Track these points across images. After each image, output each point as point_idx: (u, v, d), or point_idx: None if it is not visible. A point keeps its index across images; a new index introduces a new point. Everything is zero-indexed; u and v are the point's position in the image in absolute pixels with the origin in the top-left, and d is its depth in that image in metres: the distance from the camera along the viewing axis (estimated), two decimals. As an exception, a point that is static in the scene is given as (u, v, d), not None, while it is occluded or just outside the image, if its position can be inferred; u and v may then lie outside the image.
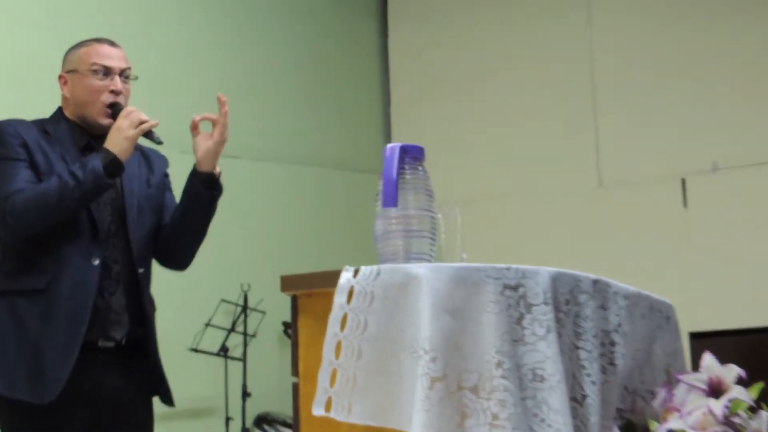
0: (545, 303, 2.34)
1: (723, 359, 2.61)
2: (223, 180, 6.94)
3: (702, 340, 3.25)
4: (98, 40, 3.55)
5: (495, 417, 2.18)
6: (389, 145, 2.45)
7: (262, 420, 6.56)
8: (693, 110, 7.22)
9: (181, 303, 6.26)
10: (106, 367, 3.38)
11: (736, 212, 6.98)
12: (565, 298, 2.42)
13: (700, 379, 2.54)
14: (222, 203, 6.71)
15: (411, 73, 8.07)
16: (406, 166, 2.46)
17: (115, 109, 3.42)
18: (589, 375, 2.44)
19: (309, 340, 2.44)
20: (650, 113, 7.32)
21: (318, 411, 2.30)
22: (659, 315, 2.85)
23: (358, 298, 2.29)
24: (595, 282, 2.52)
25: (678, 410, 2.56)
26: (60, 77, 3.53)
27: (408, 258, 2.42)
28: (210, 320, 6.28)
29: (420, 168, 2.48)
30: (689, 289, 6.50)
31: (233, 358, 6.39)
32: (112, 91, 3.45)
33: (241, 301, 6.45)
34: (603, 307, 2.55)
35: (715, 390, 2.52)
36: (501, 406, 2.19)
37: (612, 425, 2.51)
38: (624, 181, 7.32)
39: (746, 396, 2.50)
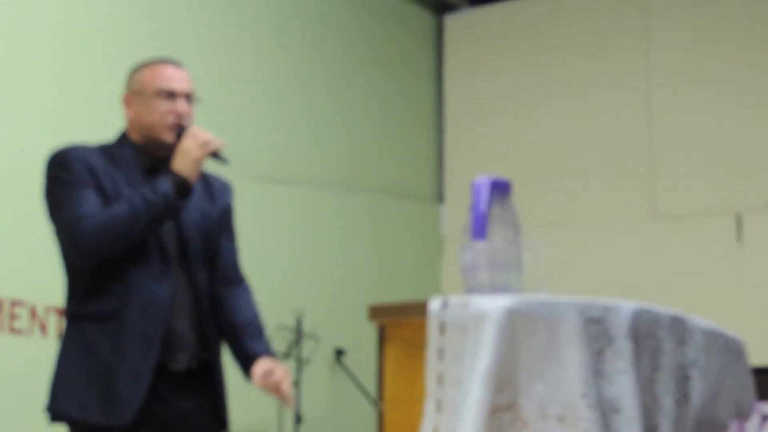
0: (626, 337, 2.42)
1: None
2: (279, 206, 7.08)
3: (759, 377, 3.31)
4: (163, 61, 3.55)
5: (579, 446, 2.27)
6: (479, 179, 2.53)
7: (311, 445, 6.64)
8: (750, 146, 7.26)
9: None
10: (173, 390, 3.37)
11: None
12: (644, 332, 2.49)
13: (775, 412, 2.62)
14: (277, 229, 6.83)
15: (466, 100, 8.13)
16: (496, 200, 2.54)
17: (180, 131, 3.40)
18: (661, 408, 2.52)
19: (395, 369, 2.52)
20: (707, 147, 7.36)
21: None
22: (732, 351, 2.92)
23: (452, 330, 2.37)
24: (674, 318, 2.60)
25: (750, 444, 2.64)
26: (124, 99, 3.52)
27: (494, 289, 2.50)
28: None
29: (508, 202, 2.56)
30: (742, 326, 6.56)
31: (287, 383, 6.46)
32: (177, 114, 3.43)
33: (295, 327, 6.53)
34: (681, 342, 2.61)
35: (789, 424, 2.60)
36: (584, 435, 2.27)
37: (685, 457, 2.59)
38: (679, 214, 7.36)
39: (820, 431, 2.58)
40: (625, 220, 7.51)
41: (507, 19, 8.07)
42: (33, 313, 5.43)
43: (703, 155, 7.37)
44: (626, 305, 2.45)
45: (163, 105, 3.44)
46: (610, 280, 7.06)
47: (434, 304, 2.41)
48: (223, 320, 3.54)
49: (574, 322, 2.37)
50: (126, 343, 3.27)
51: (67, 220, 3.28)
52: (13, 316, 5.33)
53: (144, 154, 3.47)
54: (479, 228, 2.50)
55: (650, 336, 2.51)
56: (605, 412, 2.35)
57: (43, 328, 5.45)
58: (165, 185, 3.28)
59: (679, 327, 2.62)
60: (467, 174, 7.69)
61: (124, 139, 3.51)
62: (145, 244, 3.34)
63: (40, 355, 5.46)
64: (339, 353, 6.84)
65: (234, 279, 3.62)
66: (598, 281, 6.90)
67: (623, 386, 2.39)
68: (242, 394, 6.35)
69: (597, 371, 2.38)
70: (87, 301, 3.35)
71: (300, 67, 7.26)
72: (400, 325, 2.53)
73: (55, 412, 3.35)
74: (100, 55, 5.98)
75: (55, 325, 5.54)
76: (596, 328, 2.40)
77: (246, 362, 3.53)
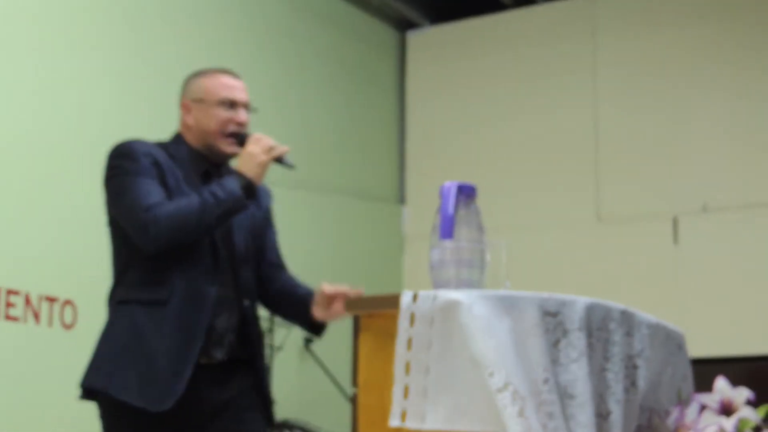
0: (579, 329, 2.46)
1: (711, 386, 2.72)
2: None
3: (696, 367, 3.38)
4: (223, 72, 3.52)
5: (545, 426, 2.30)
6: (447, 183, 2.57)
7: (282, 425, 6.65)
8: (686, 154, 7.33)
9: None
10: (207, 382, 3.29)
11: (723, 251, 7.09)
12: (597, 325, 2.53)
13: (713, 399, 2.66)
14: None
15: (426, 110, 8.15)
16: (461, 203, 2.58)
17: (240, 138, 3.38)
18: (613, 394, 2.55)
19: (368, 356, 2.54)
20: (647, 156, 7.43)
21: (395, 423, 2.40)
22: (673, 343, 2.96)
23: (421, 321, 2.41)
24: (623, 312, 2.64)
25: (690, 428, 2.67)
26: (183, 105, 3.48)
27: (459, 285, 2.53)
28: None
29: (473, 205, 2.60)
30: (678, 321, 6.62)
31: (258, 369, 6.49)
32: (237, 123, 3.41)
33: (268, 316, 6.54)
34: (629, 335, 2.65)
35: (726, 410, 2.63)
36: (549, 417, 2.30)
37: (632, 439, 2.62)
38: (621, 217, 7.43)
39: (754, 416, 2.61)
40: (573, 222, 7.56)
41: (465, 36, 8.10)
42: (27, 301, 5.42)
43: (644, 164, 7.43)
44: (580, 300, 2.49)
45: (225, 114, 3.41)
46: (560, 278, 7.12)
47: (405, 297, 2.45)
48: (285, 297, 3.57)
49: (533, 315, 2.41)
50: (172, 333, 3.22)
51: (136, 208, 3.21)
52: (8, 305, 5.32)
53: (199, 157, 3.44)
54: (446, 228, 2.54)
55: (602, 328, 2.55)
56: (561, 397, 2.39)
57: (37, 317, 5.44)
58: (233, 184, 3.25)
59: (627, 320, 2.65)
60: (427, 178, 7.81)
61: (180, 140, 3.47)
62: (199, 242, 3.30)
63: (33, 342, 5.47)
64: (308, 341, 6.85)
65: (281, 264, 3.64)
66: (550, 278, 6.94)
67: (576, 374, 2.42)
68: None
69: (553, 360, 2.41)
70: (139, 289, 3.29)
71: (273, 77, 7.26)
72: (373, 316, 2.55)
73: (91, 389, 3.29)
74: (92, 40, 5.97)
75: (47, 313, 5.53)
76: (553, 321, 2.44)
77: (316, 325, 3.54)
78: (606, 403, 2.54)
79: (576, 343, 2.45)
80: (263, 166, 3.31)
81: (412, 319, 2.41)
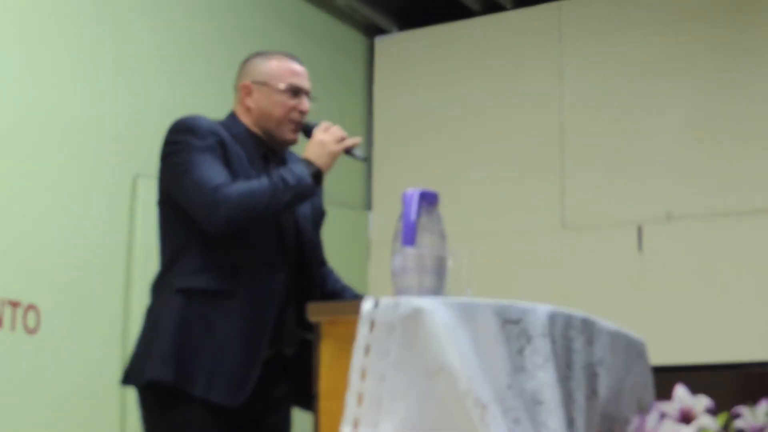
0: (543, 336, 2.47)
1: (668, 392, 2.74)
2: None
3: (658, 375, 3.39)
4: (287, 56, 3.41)
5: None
6: (409, 191, 2.57)
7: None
8: (651, 162, 7.36)
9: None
10: (267, 377, 3.17)
11: (687, 259, 7.12)
12: (559, 333, 2.54)
13: (673, 407, 2.67)
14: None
15: (393, 116, 8.15)
16: (424, 210, 2.58)
17: (305, 127, 3.29)
18: (575, 401, 2.56)
19: (329, 362, 2.54)
20: (612, 165, 7.45)
21: (347, 429, 2.39)
22: (633, 351, 2.98)
23: (380, 328, 2.40)
24: (584, 320, 2.65)
25: (650, 436, 2.68)
26: (243, 86, 3.35)
27: (422, 292, 2.54)
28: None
29: (435, 212, 2.60)
30: (642, 328, 6.65)
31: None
32: (300, 111, 3.32)
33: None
34: (590, 343, 2.66)
35: (686, 418, 2.65)
36: (515, 423, 2.31)
37: (593, 447, 2.63)
38: (586, 225, 7.45)
39: (713, 424, 2.62)
40: (538, 229, 7.57)
41: (433, 42, 8.11)
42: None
43: (609, 171, 7.46)
44: (541, 308, 2.50)
45: (290, 101, 3.31)
46: (524, 285, 7.12)
47: (366, 304, 2.44)
48: (329, 291, 3.48)
49: (494, 322, 2.41)
50: (241, 326, 3.09)
51: (203, 186, 3.06)
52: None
53: (258, 140, 3.31)
54: (409, 235, 2.54)
55: (564, 336, 2.57)
56: (528, 404, 2.39)
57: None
58: (303, 171, 3.14)
59: (588, 328, 2.67)
60: (393, 184, 7.80)
61: (237, 121, 3.33)
62: (265, 230, 3.18)
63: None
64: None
65: (324, 260, 3.57)
66: (514, 285, 6.95)
67: (543, 380, 2.43)
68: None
69: (518, 367, 2.42)
70: (201, 278, 3.12)
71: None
72: (335, 323, 2.55)
73: (156, 381, 3.05)
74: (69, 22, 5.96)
75: (10, 317, 5.49)
76: (515, 328, 2.45)
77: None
78: (569, 411, 2.55)
79: (541, 349, 2.46)
80: (333, 156, 3.23)
81: (372, 326, 2.41)
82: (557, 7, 7.84)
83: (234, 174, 3.12)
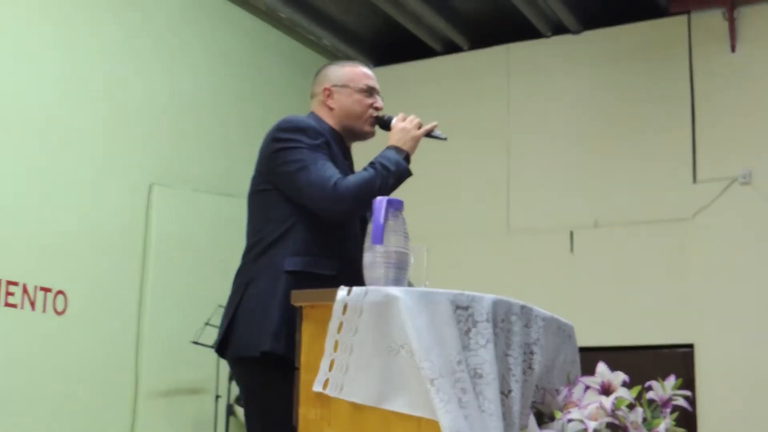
0: (487, 321, 2.45)
1: (592, 369, 2.74)
2: (226, 213, 6.96)
3: (584, 354, 3.42)
4: (358, 62, 3.30)
5: (460, 400, 2.29)
6: (378, 198, 2.57)
7: (239, 400, 6.61)
8: (582, 178, 7.39)
9: (188, 307, 6.33)
10: None
11: (611, 260, 7.15)
12: (501, 318, 2.53)
13: (595, 381, 2.67)
14: (226, 231, 6.78)
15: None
16: (390, 214, 2.57)
17: (383, 121, 3.17)
18: (514, 375, 2.55)
19: (309, 340, 2.51)
20: (549, 177, 7.48)
21: (317, 388, 2.40)
22: (564, 333, 2.96)
23: (351, 310, 2.40)
24: (523, 307, 2.64)
25: (576, 404, 2.67)
26: (325, 90, 3.18)
27: (387, 282, 2.53)
28: (209, 320, 6.33)
29: (400, 216, 2.59)
30: (571, 315, 6.66)
31: (223, 350, 6.43)
32: (377, 108, 3.20)
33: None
34: (527, 326, 2.65)
35: (606, 390, 2.64)
36: (463, 392, 2.30)
37: (529, 413, 2.62)
38: (527, 229, 7.47)
39: (628, 395, 2.63)
40: (487, 233, 7.58)
41: (402, 76, 8.10)
42: (25, 290, 5.35)
43: (546, 184, 7.48)
44: (487, 297, 2.49)
45: (368, 99, 3.19)
46: (475, 279, 7.12)
47: (341, 291, 2.44)
48: None
49: (447, 308, 2.40)
50: None
51: (324, 182, 2.89)
52: (8, 293, 5.25)
53: (340, 137, 3.17)
54: (378, 235, 2.53)
55: (505, 320, 2.55)
56: (471, 377, 2.39)
57: (33, 304, 5.37)
58: (396, 156, 3.03)
59: (526, 314, 2.66)
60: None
61: (321, 121, 3.17)
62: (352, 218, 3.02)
63: (29, 326, 5.40)
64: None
65: None
66: (466, 280, 6.94)
67: (484, 357, 2.41)
68: (190, 358, 6.34)
69: (465, 346, 2.41)
70: (305, 260, 2.93)
71: (244, 105, 7.25)
72: (314, 307, 2.53)
73: (272, 353, 2.81)
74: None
75: (42, 301, 5.45)
76: (464, 314, 2.43)
77: None
78: (508, 382, 2.54)
79: (484, 332, 2.45)
80: (416, 140, 3.11)
81: (344, 309, 2.41)
82: (506, 48, 7.87)
83: (340, 171, 2.99)
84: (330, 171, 2.93)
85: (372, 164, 2.99)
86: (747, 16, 7.09)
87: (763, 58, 7.00)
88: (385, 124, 3.18)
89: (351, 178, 2.94)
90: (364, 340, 2.37)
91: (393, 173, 2.99)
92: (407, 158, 3.07)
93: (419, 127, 3.13)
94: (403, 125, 3.11)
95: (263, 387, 2.88)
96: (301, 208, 2.97)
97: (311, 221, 2.96)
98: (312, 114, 3.20)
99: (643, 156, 7.20)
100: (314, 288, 2.74)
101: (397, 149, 3.06)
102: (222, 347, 3.00)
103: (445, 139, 3.22)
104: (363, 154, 3.40)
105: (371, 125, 3.21)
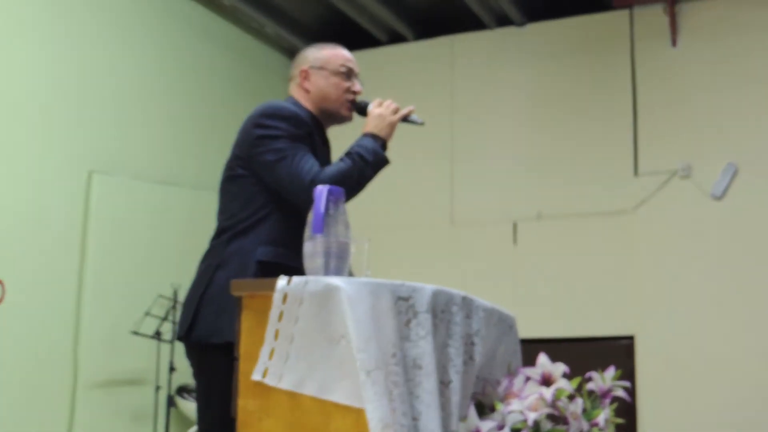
0: (427, 311, 2.44)
1: (534, 360, 2.74)
2: (169, 203, 6.90)
3: (525, 346, 3.42)
4: (337, 45, 3.19)
5: (391, 393, 2.28)
6: (319, 187, 2.54)
7: (182, 389, 6.54)
8: (525, 171, 7.43)
9: (128, 296, 6.25)
10: None
11: (553, 252, 7.20)
12: (441, 308, 2.52)
13: (536, 372, 2.67)
14: (165, 222, 6.70)
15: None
16: (331, 204, 2.54)
17: (360, 105, 3.10)
18: (454, 366, 2.54)
19: (248, 330, 2.47)
20: (493, 170, 7.51)
21: (256, 377, 2.37)
22: (505, 324, 2.96)
23: (291, 300, 2.36)
24: (464, 298, 2.63)
25: (517, 395, 2.68)
26: (302, 71, 3.10)
27: (328, 272, 2.50)
28: (149, 310, 6.27)
29: (341, 205, 2.56)
30: (513, 306, 6.69)
31: (164, 341, 6.36)
32: (354, 92, 3.13)
33: (173, 296, 6.44)
34: (468, 317, 2.64)
35: (546, 381, 2.65)
36: (395, 385, 2.28)
37: (469, 404, 2.62)
38: (470, 221, 7.48)
39: (568, 386, 2.63)
40: (432, 225, 7.59)
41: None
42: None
43: (490, 176, 7.51)
44: (428, 287, 2.48)
45: (345, 82, 3.11)
46: (419, 271, 7.14)
47: (281, 281, 2.41)
48: None
49: (388, 299, 2.38)
50: None
51: (301, 176, 2.83)
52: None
53: (317, 120, 3.10)
54: (318, 225, 2.50)
55: (446, 311, 2.54)
56: (409, 368, 2.37)
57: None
58: (373, 145, 2.96)
59: (467, 305, 2.65)
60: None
61: (299, 105, 3.09)
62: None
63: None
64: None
65: None
66: (411, 271, 6.95)
67: (424, 348, 2.41)
68: (129, 349, 6.26)
69: (404, 337, 2.39)
70: (277, 251, 2.89)
71: (188, 94, 7.17)
72: (254, 297, 2.49)
73: (228, 341, 2.70)
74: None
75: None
76: (405, 304, 2.42)
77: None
78: (448, 373, 2.53)
79: (424, 323, 2.44)
80: (393, 126, 3.05)
81: (284, 298, 2.38)
82: (450, 39, 7.87)
83: (320, 162, 2.93)
84: (309, 164, 2.87)
85: (349, 154, 2.93)
86: (688, 11, 7.17)
87: (703, 52, 7.08)
88: (362, 110, 3.12)
89: (328, 171, 2.87)
90: (305, 330, 2.35)
91: (371, 163, 2.93)
92: (384, 146, 3.01)
93: (396, 113, 3.07)
94: (380, 111, 3.05)
95: (226, 375, 2.72)
96: (278, 197, 2.92)
97: (287, 212, 2.92)
98: (290, 98, 3.13)
99: (586, 149, 7.25)
100: None
101: (374, 137, 3.00)
102: (186, 331, 2.91)
103: (422, 123, 3.17)
104: (343, 139, 3.30)
105: (348, 109, 3.14)
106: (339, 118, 3.14)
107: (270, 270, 2.83)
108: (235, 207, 2.97)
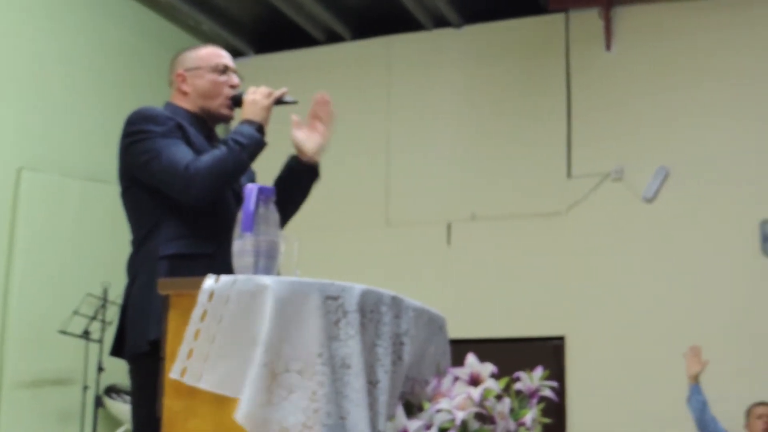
0: (356, 311, 2.45)
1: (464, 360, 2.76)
2: (98, 200, 6.83)
3: (455, 346, 3.44)
4: (210, 44, 3.23)
5: (314, 393, 2.27)
6: (249, 185, 2.53)
7: (111, 389, 6.48)
8: (459, 173, 7.47)
9: (56, 295, 6.16)
10: None
11: (487, 252, 7.25)
12: (370, 308, 2.52)
13: (464, 372, 2.68)
14: (94, 219, 6.62)
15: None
16: (261, 202, 2.53)
17: (237, 98, 3.10)
18: (383, 366, 2.54)
19: (175, 330, 2.44)
20: (428, 172, 7.54)
21: (174, 375, 2.35)
22: (435, 325, 2.97)
23: (218, 299, 2.35)
24: (393, 298, 2.64)
25: (445, 395, 2.69)
26: (178, 75, 3.14)
27: (257, 271, 2.49)
28: (77, 309, 6.19)
29: (271, 205, 2.55)
30: (446, 307, 6.73)
31: (92, 340, 6.29)
32: (232, 86, 3.13)
33: (102, 295, 6.37)
34: (397, 316, 2.64)
35: (475, 381, 2.66)
36: (319, 385, 2.28)
37: (397, 403, 2.62)
38: (405, 222, 7.51)
39: (496, 386, 2.65)
40: (367, 225, 7.60)
41: (283, 65, 8.05)
42: None
43: (425, 178, 7.54)
44: (357, 287, 2.47)
45: (221, 78, 3.12)
46: (354, 271, 7.13)
47: (209, 279, 2.39)
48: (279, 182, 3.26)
49: (316, 298, 2.38)
50: None
51: (176, 167, 2.84)
52: None
53: (198, 120, 3.10)
54: (248, 223, 2.49)
55: (375, 311, 2.54)
56: (337, 367, 2.37)
57: None
58: (248, 130, 2.96)
59: (396, 305, 2.65)
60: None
61: (176, 107, 3.11)
62: (225, 199, 2.97)
63: None
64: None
65: None
66: (346, 271, 6.95)
67: (353, 348, 2.41)
68: (56, 348, 6.17)
69: (333, 336, 2.39)
70: (180, 242, 2.88)
71: (119, 90, 7.09)
72: (181, 296, 2.47)
73: (149, 340, 2.73)
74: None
75: None
76: (334, 304, 2.41)
77: (291, 167, 3.31)
78: (376, 373, 2.53)
79: (353, 322, 2.44)
80: (267, 110, 3.05)
81: (210, 296, 2.36)
82: (388, 40, 7.89)
83: (197, 151, 2.93)
84: (181, 154, 2.88)
85: (224, 141, 2.95)
86: (622, 16, 7.27)
87: (636, 57, 7.19)
88: (238, 101, 3.14)
89: (203, 159, 2.88)
90: (229, 329, 2.33)
91: (246, 147, 2.94)
92: (261, 129, 3.02)
93: (269, 96, 3.08)
94: (253, 97, 3.06)
95: (154, 375, 2.65)
96: (166, 196, 2.92)
97: (179, 207, 2.92)
98: (168, 104, 3.15)
99: (520, 151, 7.32)
100: (193, 269, 2.73)
101: (249, 122, 3.01)
102: (117, 349, 2.94)
103: (295, 102, 3.17)
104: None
105: (228, 107, 3.15)
106: (220, 117, 3.17)
107: (177, 262, 2.85)
108: (133, 219, 3.01)
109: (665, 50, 7.14)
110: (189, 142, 2.96)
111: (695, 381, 5.88)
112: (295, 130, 3.27)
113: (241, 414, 2.24)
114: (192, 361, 2.34)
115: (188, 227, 2.91)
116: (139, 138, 2.94)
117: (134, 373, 2.91)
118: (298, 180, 3.35)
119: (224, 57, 3.19)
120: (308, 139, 3.31)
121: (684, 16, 7.13)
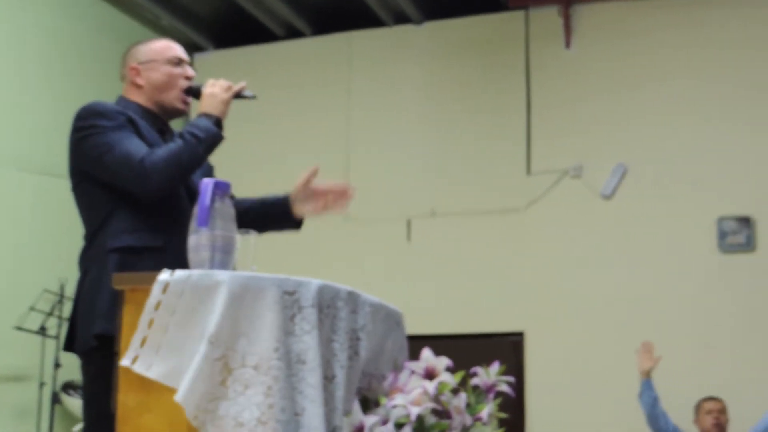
0: (312, 306, 2.45)
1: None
2: (54, 195, 6.75)
3: (412, 342, 3.45)
4: (163, 37, 3.24)
5: (269, 388, 2.27)
6: (205, 180, 2.52)
7: (68, 386, 6.43)
8: (421, 166, 7.49)
9: (12, 291, 6.10)
10: None
11: (447, 249, 7.27)
12: (327, 303, 2.51)
13: (419, 366, 2.69)
14: (51, 214, 6.56)
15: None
16: (217, 197, 2.53)
17: (193, 90, 3.08)
18: (339, 361, 2.54)
19: (130, 324, 2.43)
20: (388, 168, 7.55)
21: (125, 363, 2.34)
22: (392, 320, 2.97)
23: (173, 291, 2.34)
24: (350, 293, 2.64)
25: (401, 390, 2.69)
26: (131, 69, 3.10)
27: (212, 266, 2.49)
28: (34, 305, 6.13)
29: (227, 199, 2.55)
30: (405, 303, 6.74)
31: (49, 336, 6.23)
32: (187, 77, 3.12)
33: (59, 291, 6.31)
34: (354, 312, 2.65)
35: (430, 375, 2.67)
36: (275, 380, 2.28)
37: (353, 399, 2.63)
38: (366, 218, 7.50)
39: (451, 380, 2.66)
40: (324, 221, 7.56)
41: (243, 60, 8.03)
42: None
43: (385, 174, 7.55)
44: (314, 282, 2.48)
45: (176, 70, 3.10)
46: (313, 267, 7.11)
47: (164, 274, 2.38)
48: (257, 209, 3.33)
49: (273, 293, 2.38)
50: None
51: (130, 160, 2.80)
52: None
53: (152, 115, 3.07)
54: (203, 218, 2.49)
55: (331, 306, 2.54)
56: (293, 363, 2.37)
57: None
58: (206, 123, 2.93)
59: (353, 300, 2.65)
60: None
61: (128, 101, 3.07)
62: (177, 193, 2.94)
63: None
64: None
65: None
66: (305, 267, 6.92)
67: (309, 344, 2.41)
68: (12, 344, 6.11)
69: (288, 332, 2.39)
70: (131, 237, 2.85)
71: (74, 84, 7.03)
72: (136, 290, 2.46)
73: (105, 335, 2.67)
74: None
75: None
76: (290, 299, 2.41)
77: (281, 208, 3.36)
78: (332, 368, 2.53)
79: (309, 317, 2.44)
80: (226, 103, 3.01)
81: (165, 289, 2.35)
82: (348, 36, 7.89)
83: (149, 145, 2.90)
84: (135, 147, 2.86)
85: (180, 135, 2.93)
86: (582, 13, 7.32)
87: (596, 54, 7.24)
88: (196, 93, 3.11)
89: (158, 152, 2.86)
90: (181, 322, 2.33)
91: (203, 140, 2.91)
92: (218, 123, 2.99)
93: (228, 90, 3.05)
94: (212, 90, 3.03)
95: (100, 375, 2.68)
96: (117, 190, 2.90)
97: (131, 201, 2.90)
98: (120, 98, 3.12)
99: (480, 147, 7.35)
100: (143, 262, 2.73)
101: (207, 115, 2.98)
102: (69, 344, 2.91)
103: (254, 97, 3.15)
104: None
105: (183, 101, 3.13)
106: (175, 111, 3.14)
107: (127, 255, 2.83)
108: (85, 213, 2.98)
109: (624, 48, 7.20)
110: (141, 136, 2.93)
111: (647, 376, 5.95)
112: (310, 184, 3.39)
113: (180, 396, 2.23)
114: (144, 350, 2.33)
115: (139, 220, 2.89)
116: (89, 133, 2.91)
117: (85, 369, 2.89)
118: (279, 220, 3.40)
119: (178, 49, 3.17)
120: (310, 204, 3.43)
121: (643, 14, 7.19)
